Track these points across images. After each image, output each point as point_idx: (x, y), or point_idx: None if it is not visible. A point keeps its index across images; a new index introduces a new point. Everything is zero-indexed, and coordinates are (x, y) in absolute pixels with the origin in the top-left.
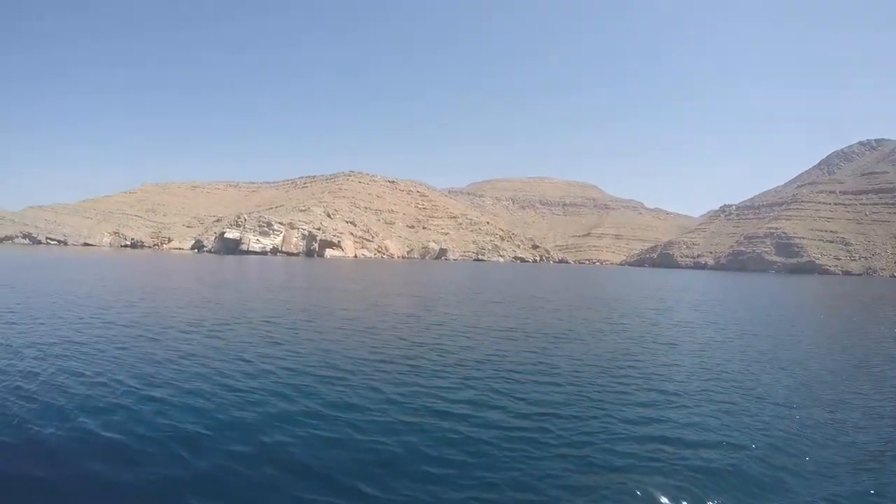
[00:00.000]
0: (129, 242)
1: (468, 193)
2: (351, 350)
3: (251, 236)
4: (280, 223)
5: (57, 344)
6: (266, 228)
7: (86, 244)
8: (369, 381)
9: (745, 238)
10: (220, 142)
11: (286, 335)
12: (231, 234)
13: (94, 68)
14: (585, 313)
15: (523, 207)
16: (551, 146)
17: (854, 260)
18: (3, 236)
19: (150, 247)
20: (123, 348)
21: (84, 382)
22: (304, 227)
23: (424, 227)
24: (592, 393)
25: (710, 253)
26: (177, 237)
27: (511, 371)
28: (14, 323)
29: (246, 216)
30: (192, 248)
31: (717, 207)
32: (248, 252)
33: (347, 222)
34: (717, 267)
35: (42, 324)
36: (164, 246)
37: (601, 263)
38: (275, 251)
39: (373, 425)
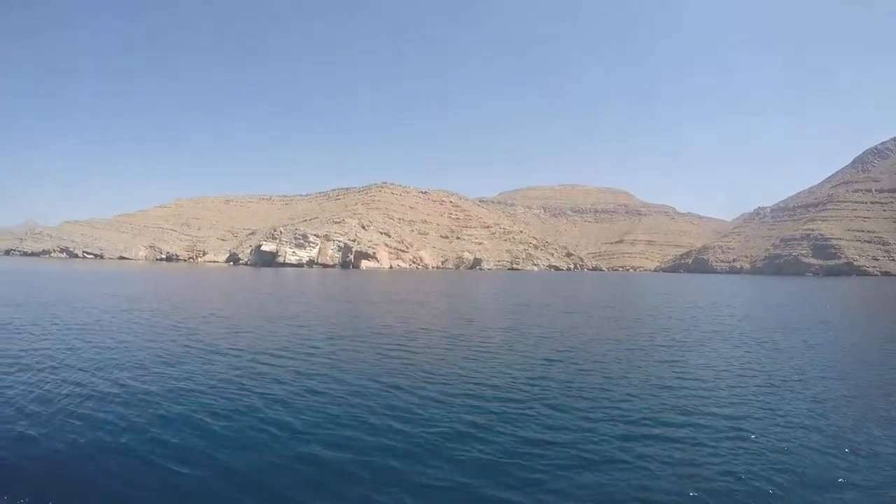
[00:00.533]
0: (164, 256)
1: (499, 203)
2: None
3: (287, 249)
4: (316, 235)
5: (161, 361)
6: (302, 241)
7: (121, 258)
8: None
9: (780, 241)
10: (252, 156)
11: (422, 348)
12: (267, 246)
13: (125, 84)
14: (675, 323)
15: (555, 215)
16: (581, 153)
17: (893, 260)
18: (40, 250)
19: (185, 260)
20: (258, 375)
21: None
22: (339, 238)
23: (458, 238)
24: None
25: (746, 257)
26: (211, 250)
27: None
28: (104, 344)
29: (282, 229)
30: (227, 261)
31: (750, 210)
32: (284, 264)
33: (382, 233)
34: (753, 271)
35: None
36: (199, 259)
37: (635, 270)
38: (311, 263)
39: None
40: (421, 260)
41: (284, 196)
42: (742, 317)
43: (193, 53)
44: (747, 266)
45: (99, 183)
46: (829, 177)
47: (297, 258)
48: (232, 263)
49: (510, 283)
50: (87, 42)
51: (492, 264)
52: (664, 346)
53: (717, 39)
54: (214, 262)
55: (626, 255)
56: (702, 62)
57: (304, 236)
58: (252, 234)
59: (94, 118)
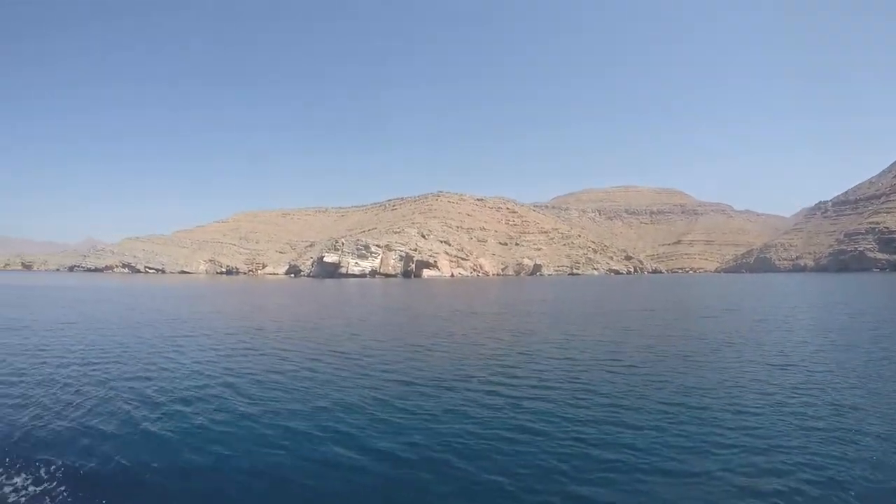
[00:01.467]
0: (224, 269)
1: (553, 207)
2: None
3: (350, 259)
4: (377, 245)
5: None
6: (364, 251)
7: (182, 272)
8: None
9: (844, 236)
10: (307, 169)
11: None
12: (329, 257)
13: (180, 104)
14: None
15: (610, 218)
16: (634, 153)
17: None
18: (103, 266)
19: (244, 273)
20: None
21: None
22: (400, 248)
23: (517, 244)
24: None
25: (810, 254)
26: (270, 263)
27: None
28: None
29: (343, 240)
30: (287, 272)
31: (811, 205)
32: (346, 275)
33: (442, 242)
34: (818, 268)
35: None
36: (259, 272)
37: (695, 272)
38: (373, 273)
39: None
40: (481, 267)
41: (340, 208)
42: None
43: (246, 69)
44: (811, 263)
45: (156, 200)
46: (890, 166)
47: (360, 268)
48: (293, 275)
49: (580, 289)
50: (147, 64)
51: (551, 270)
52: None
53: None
54: (274, 274)
55: (685, 257)
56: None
57: (366, 247)
58: (310, 246)
59: (148, 139)
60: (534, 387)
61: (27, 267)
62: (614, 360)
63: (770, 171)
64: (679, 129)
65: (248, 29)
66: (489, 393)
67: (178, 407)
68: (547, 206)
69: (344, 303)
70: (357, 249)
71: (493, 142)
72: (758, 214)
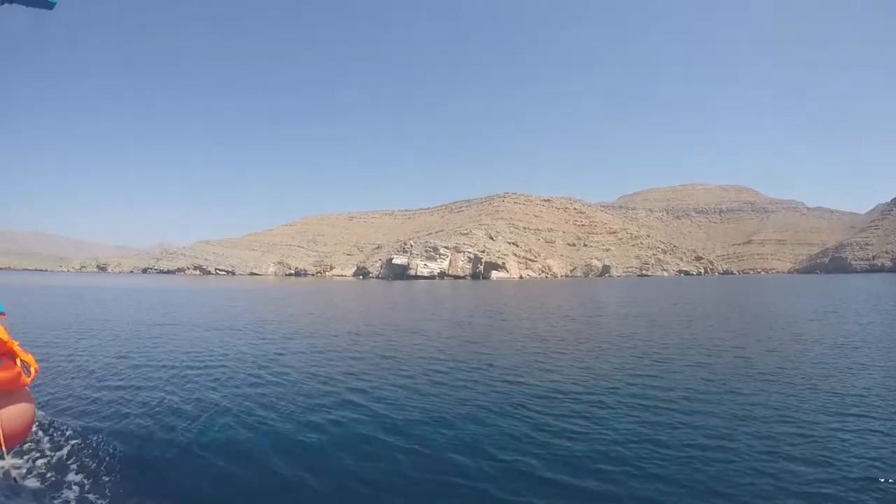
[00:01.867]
0: (293, 271)
1: (619, 207)
2: None
3: (419, 261)
4: (446, 247)
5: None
6: (432, 253)
7: (252, 273)
8: None
9: None
10: (373, 172)
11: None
12: (399, 259)
13: (244, 106)
14: None
15: (678, 217)
16: (698, 149)
17: None
18: (175, 268)
19: (313, 275)
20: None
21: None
22: (468, 250)
23: (585, 245)
24: None
25: (887, 253)
26: (338, 265)
27: None
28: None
29: (412, 242)
30: (355, 274)
31: (887, 200)
32: (416, 277)
33: (510, 243)
34: None
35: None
36: (327, 274)
37: (767, 272)
38: (442, 275)
39: None
40: (549, 268)
41: (406, 210)
42: None
43: (312, 70)
44: (888, 263)
45: (227, 206)
46: None
47: (429, 270)
48: (361, 277)
49: (659, 290)
50: (210, 72)
51: (620, 271)
52: None
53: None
54: (342, 276)
55: (756, 257)
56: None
57: (435, 248)
58: (378, 248)
59: (216, 145)
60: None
61: (102, 269)
62: (776, 369)
63: (843, 165)
64: (744, 124)
65: (318, 41)
66: (653, 406)
67: (299, 413)
68: (613, 206)
69: (438, 304)
70: (426, 251)
71: (558, 141)
72: (831, 211)
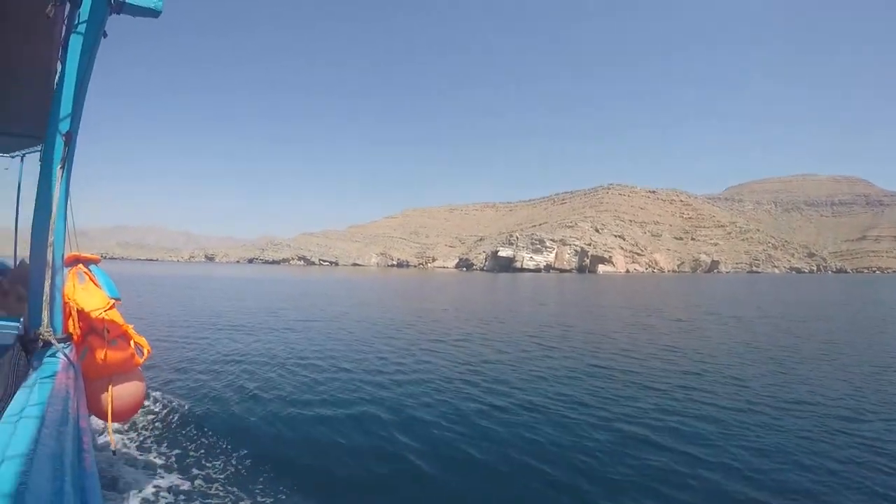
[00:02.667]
0: (395, 262)
1: (726, 199)
2: None
3: (525, 254)
4: (552, 240)
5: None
6: (539, 245)
7: (355, 264)
8: None
9: None
10: (474, 164)
11: None
12: (504, 252)
13: (350, 104)
14: None
15: (787, 210)
16: (810, 137)
17: None
18: (280, 259)
19: (415, 266)
20: None
21: None
22: (575, 243)
23: (693, 239)
24: None
25: None
26: (440, 257)
27: None
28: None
29: (518, 234)
30: (457, 266)
31: None
32: (521, 269)
33: (616, 236)
34: None
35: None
36: (429, 265)
37: (882, 272)
38: (548, 268)
39: None
40: (656, 263)
41: (508, 203)
42: None
43: (411, 67)
44: None
45: (328, 199)
46: None
47: (535, 263)
48: (464, 269)
49: (786, 289)
50: (315, 71)
51: (729, 267)
52: None
53: None
54: (444, 267)
55: (871, 255)
56: None
57: (541, 241)
58: (480, 240)
59: (319, 142)
60: None
61: (210, 259)
62: None
63: None
64: (856, 107)
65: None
66: None
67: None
68: (720, 198)
69: (568, 301)
70: (532, 244)
71: (661, 129)
72: None
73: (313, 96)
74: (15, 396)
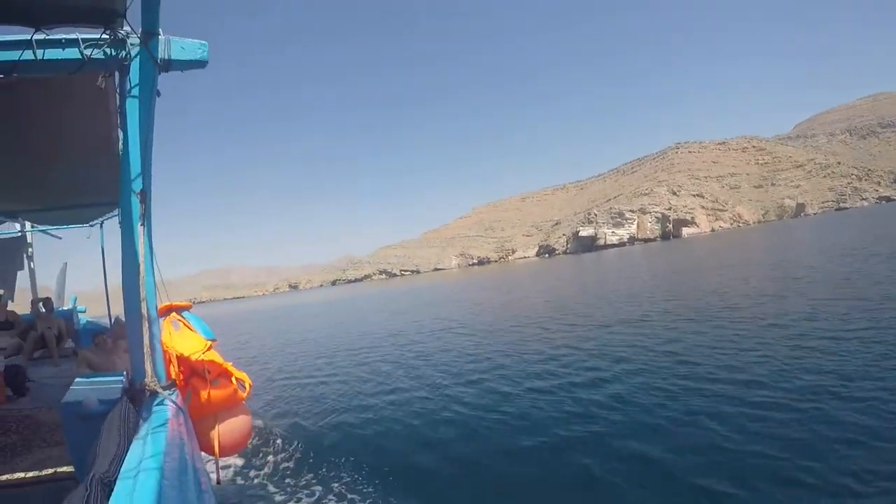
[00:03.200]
0: (475, 261)
1: (797, 136)
2: None
3: (606, 230)
4: (631, 210)
5: None
6: (619, 219)
7: (436, 269)
8: None
9: None
10: (540, 149)
11: None
12: (585, 231)
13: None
14: None
15: (863, 137)
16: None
17: None
18: (362, 276)
19: (495, 261)
20: None
21: None
22: (654, 209)
23: (773, 184)
24: None
25: None
26: (519, 247)
27: None
28: None
29: (596, 211)
30: (538, 254)
31: None
32: (605, 247)
33: (695, 196)
34: None
35: None
36: (510, 258)
37: None
38: (631, 240)
39: None
40: (740, 217)
41: (577, 182)
42: None
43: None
44: None
45: (403, 210)
46: None
47: (618, 237)
48: (546, 255)
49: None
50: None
51: (815, 208)
52: None
53: None
54: (525, 257)
55: None
56: None
57: (620, 213)
58: (557, 224)
59: (390, 156)
60: None
61: (293, 287)
62: None
63: None
64: None
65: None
66: None
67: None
68: (790, 137)
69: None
70: (611, 218)
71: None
72: None
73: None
74: (130, 449)
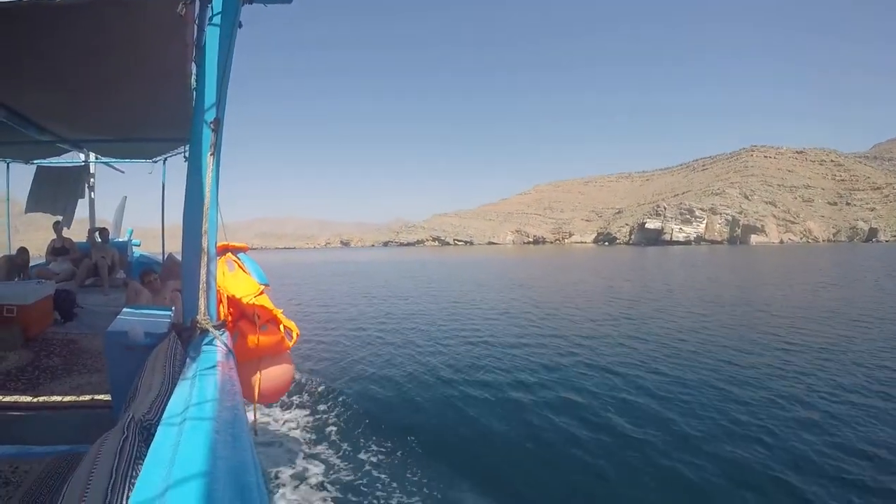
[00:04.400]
0: (531, 239)
1: (874, 157)
2: None
3: (673, 225)
4: (701, 209)
5: None
6: (688, 216)
7: (490, 243)
8: None
9: None
10: (606, 134)
11: None
12: (652, 223)
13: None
14: None
15: None
16: None
17: None
18: (415, 240)
19: (551, 242)
20: None
21: None
22: (726, 211)
23: (848, 203)
24: None
25: None
26: (577, 231)
27: None
28: None
29: (665, 204)
30: (595, 241)
31: None
32: (670, 242)
33: (767, 203)
34: None
35: None
36: (566, 241)
37: None
38: (698, 240)
39: None
40: (810, 232)
41: (643, 172)
42: None
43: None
44: None
45: (456, 180)
46: None
47: (685, 235)
48: (606, 243)
49: None
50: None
51: (888, 235)
52: None
53: None
54: (581, 242)
55: None
56: None
57: (690, 210)
58: (619, 213)
59: (444, 123)
60: None
61: (345, 244)
62: None
63: None
64: None
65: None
66: None
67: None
68: (867, 157)
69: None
70: (680, 214)
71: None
72: None
73: (449, 76)
74: (175, 391)
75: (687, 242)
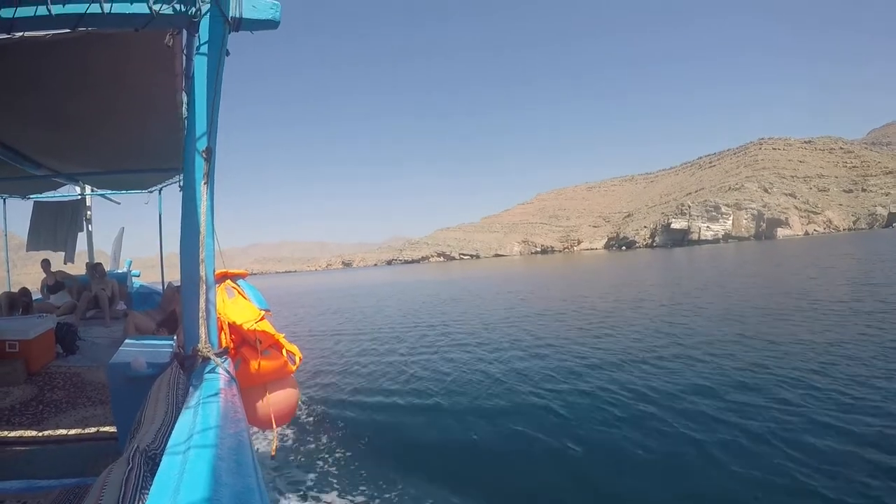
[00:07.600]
0: (539, 249)
1: (873, 143)
2: None
3: (700, 223)
4: (727, 205)
5: None
6: (714, 213)
7: (497, 255)
8: None
9: None
10: (608, 138)
11: None
12: (678, 223)
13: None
14: None
15: None
16: None
17: None
18: (419, 257)
19: (560, 251)
20: None
21: None
22: (751, 206)
23: (864, 190)
24: None
25: None
26: (586, 238)
27: None
28: None
29: (690, 203)
30: (606, 246)
31: None
32: (698, 241)
33: (787, 195)
34: None
35: None
36: (575, 248)
37: None
38: (726, 237)
39: None
40: (830, 222)
41: (647, 174)
42: None
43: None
44: None
45: (454, 193)
46: None
47: (713, 233)
48: (623, 248)
49: None
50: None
51: None
52: None
53: None
54: (591, 249)
55: None
56: None
57: (716, 207)
58: (628, 216)
59: (443, 138)
60: None
61: (347, 265)
62: None
63: None
64: None
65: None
66: None
67: None
68: (864, 143)
69: None
70: (706, 211)
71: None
72: None
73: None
74: (178, 420)
75: (715, 241)
